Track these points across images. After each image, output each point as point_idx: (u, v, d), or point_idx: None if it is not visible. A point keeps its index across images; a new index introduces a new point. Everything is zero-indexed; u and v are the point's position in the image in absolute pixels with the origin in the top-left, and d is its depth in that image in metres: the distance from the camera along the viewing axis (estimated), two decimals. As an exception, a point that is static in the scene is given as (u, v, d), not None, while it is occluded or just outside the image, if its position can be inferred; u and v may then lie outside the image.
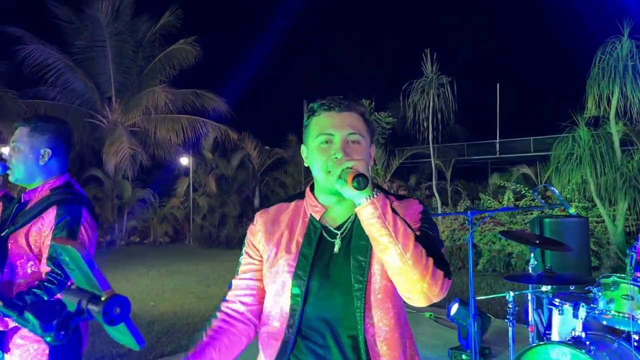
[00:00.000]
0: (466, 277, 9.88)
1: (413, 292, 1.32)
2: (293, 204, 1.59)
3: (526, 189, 10.71)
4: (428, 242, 1.36)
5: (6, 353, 2.07)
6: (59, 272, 2.02)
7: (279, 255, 1.49)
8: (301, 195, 1.60)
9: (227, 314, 1.55)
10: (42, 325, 0.64)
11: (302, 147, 1.56)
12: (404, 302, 1.43)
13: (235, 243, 15.89)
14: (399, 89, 12.94)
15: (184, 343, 5.70)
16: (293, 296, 1.44)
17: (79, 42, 17.42)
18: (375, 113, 13.55)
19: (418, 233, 1.38)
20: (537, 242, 3.84)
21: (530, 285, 3.89)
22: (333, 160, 1.38)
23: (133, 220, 18.09)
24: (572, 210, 3.24)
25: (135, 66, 18.17)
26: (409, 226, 1.34)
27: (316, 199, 1.53)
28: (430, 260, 1.31)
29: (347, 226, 1.49)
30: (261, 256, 1.54)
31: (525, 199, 10.57)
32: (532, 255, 3.94)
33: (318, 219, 1.50)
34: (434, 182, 12.79)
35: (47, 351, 2.06)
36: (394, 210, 1.32)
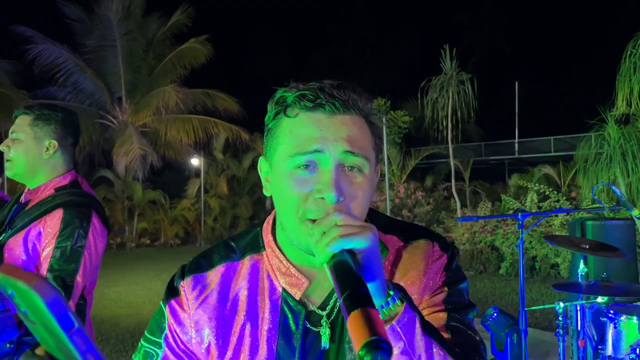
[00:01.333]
0: (488, 281, 9.59)
1: None
2: (245, 262, 0.97)
3: (550, 189, 10.31)
4: (465, 349, 0.86)
5: None
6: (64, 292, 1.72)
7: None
8: (255, 246, 0.99)
9: None
10: None
11: (261, 160, 0.97)
12: None
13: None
14: (414, 88, 12.65)
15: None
16: None
17: (90, 41, 17.33)
18: (391, 112, 13.19)
19: (444, 317, 0.90)
20: (587, 247, 3.48)
21: (579, 297, 3.56)
22: (317, 204, 0.83)
23: (143, 222, 17.92)
24: (635, 212, 2.88)
25: (145, 66, 18.01)
26: (448, 349, 0.82)
27: (287, 258, 0.94)
28: None
29: (335, 302, 0.94)
30: (194, 356, 0.96)
31: (550, 200, 10.18)
32: (581, 261, 3.58)
33: (299, 298, 0.93)
34: (452, 183, 12.41)
35: None
36: (424, 328, 0.79)
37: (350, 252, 0.72)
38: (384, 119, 12.12)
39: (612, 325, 3.20)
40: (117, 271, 11.19)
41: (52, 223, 1.83)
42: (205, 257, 0.98)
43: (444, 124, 11.99)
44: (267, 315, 0.92)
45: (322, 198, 0.82)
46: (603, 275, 3.16)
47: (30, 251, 1.82)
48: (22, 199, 1.98)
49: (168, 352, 0.94)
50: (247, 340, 0.92)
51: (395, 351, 0.75)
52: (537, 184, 10.88)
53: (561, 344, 3.39)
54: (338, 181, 0.83)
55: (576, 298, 3.63)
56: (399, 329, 0.75)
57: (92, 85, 17.45)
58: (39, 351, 0.41)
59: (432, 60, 12.34)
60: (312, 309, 0.93)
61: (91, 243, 1.85)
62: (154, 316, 0.97)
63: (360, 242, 0.73)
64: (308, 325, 0.92)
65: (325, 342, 0.91)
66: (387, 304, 0.76)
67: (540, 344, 5.33)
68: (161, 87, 17.12)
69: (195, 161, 19.37)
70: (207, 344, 0.93)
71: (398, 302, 0.76)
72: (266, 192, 0.95)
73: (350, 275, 0.69)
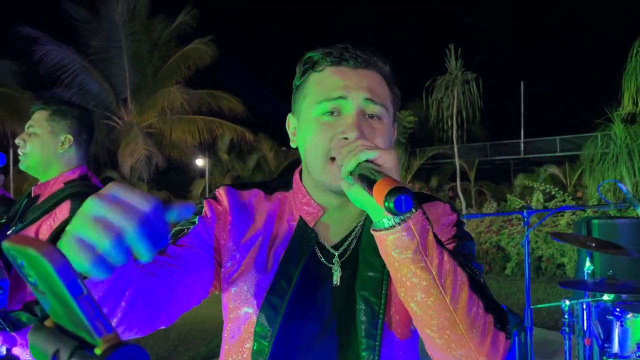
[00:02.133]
0: (494, 281, 9.56)
1: None
2: (275, 195, 1.06)
3: (556, 189, 10.27)
4: (478, 282, 0.87)
5: None
6: None
7: (244, 266, 0.98)
8: (285, 185, 1.08)
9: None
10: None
11: (289, 117, 1.06)
12: None
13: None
14: (419, 88, 12.61)
15: (202, 351, 5.45)
16: (256, 337, 0.93)
17: (95, 42, 17.42)
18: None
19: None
20: (593, 245, 3.47)
21: (585, 294, 3.55)
22: (340, 142, 0.90)
23: (149, 222, 17.96)
24: (641, 210, 2.86)
25: (150, 67, 18.09)
26: (461, 262, 0.85)
27: (309, 194, 1.02)
28: (490, 318, 0.84)
29: (350, 244, 1.00)
30: (213, 245, 1.00)
31: (555, 200, 10.14)
32: (587, 259, 3.57)
33: (312, 225, 1.00)
34: (458, 182, 12.38)
35: None
36: (437, 239, 0.82)
37: (372, 162, 0.79)
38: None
39: (618, 323, 3.18)
40: None
41: (62, 215, 1.84)
42: (242, 183, 1.09)
43: (449, 123, 11.97)
44: (281, 236, 1.00)
45: (346, 138, 0.90)
46: (609, 273, 3.14)
47: None
48: (33, 194, 1.99)
49: (199, 226, 0.98)
50: (255, 250, 0.98)
51: (409, 253, 0.79)
52: (542, 184, 10.84)
53: (567, 342, 3.37)
54: (360, 123, 0.91)
55: (582, 296, 3.62)
56: (413, 228, 0.78)
57: (97, 86, 17.54)
58: (47, 323, 0.41)
59: (437, 60, 12.34)
60: (325, 245, 0.99)
61: None
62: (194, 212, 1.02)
63: (381, 154, 0.79)
64: (320, 256, 0.99)
65: (336, 279, 0.97)
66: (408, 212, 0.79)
67: (547, 343, 5.30)
68: (166, 87, 17.18)
69: (200, 162, 19.44)
70: (224, 235, 1.00)
71: (413, 208, 0.78)
72: (292, 145, 1.05)
73: (375, 171, 0.76)
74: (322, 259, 0.98)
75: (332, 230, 1.01)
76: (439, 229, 1.00)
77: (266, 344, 0.92)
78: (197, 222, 0.98)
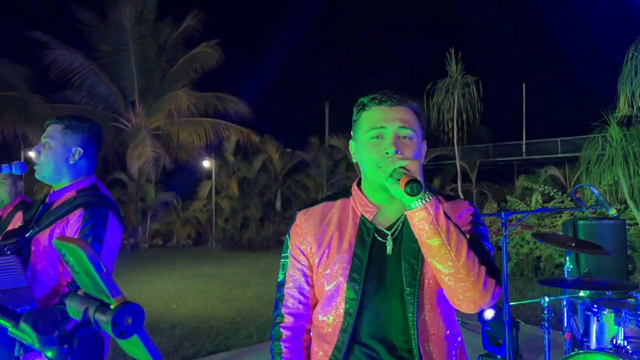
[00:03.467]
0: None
1: (463, 300, 1.30)
2: (339, 202, 1.52)
3: (554, 190, 10.43)
4: (480, 248, 1.31)
5: None
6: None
7: (331, 257, 1.43)
8: (346, 194, 1.53)
9: (293, 339, 1.50)
10: (40, 339, 0.54)
11: (351, 142, 1.50)
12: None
13: (257, 246, 15.88)
14: (423, 89, 12.76)
15: (207, 347, 5.65)
16: (348, 300, 1.39)
17: (103, 46, 17.61)
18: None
19: (469, 237, 1.33)
20: (573, 244, 3.66)
21: (565, 291, 3.73)
22: (384, 156, 1.32)
23: (156, 223, 18.20)
24: (612, 212, 3.06)
25: (158, 70, 18.30)
26: (462, 232, 1.28)
27: (366, 197, 1.46)
28: (483, 268, 1.27)
29: (397, 226, 1.44)
30: (308, 260, 1.48)
31: (554, 201, 10.30)
32: (567, 259, 3.76)
33: (370, 219, 1.44)
34: (459, 184, 12.56)
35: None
36: (446, 215, 1.26)
37: (402, 168, 1.21)
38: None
39: (595, 318, 3.37)
40: (130, 271, 11.42)
41: (74, 221, 2.04)
42: (313, 202, 1.56)
43: (450, 126, 12.14)
44: (349, 229, 1.44)
45: (387, 153, 1.32)
46: (585, 271, 3.33)
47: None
48: (47, 200, 2.22)
49: (292, 259, 1.50)
50: (335, 242, 1.43)
51: (427, 224, 1.23)
52: (542, 185, 10.99)
53: (546, 336, 3.55)
54: (396, 142, 1.34)
55: (563, 294, 3.81)
56: (430, 208, 1.23)
57: (106, 89, 17.75)
58: (80, 292, 0.64)
59: (440, 63, 12.50)
60: (381, 228, 1.42)
61: (108, 239, 2.08)
62: (285, 243, 1.55)
63: (408, 163, 1.23)
64: (378, 238, 1.41)
65: (389, 250, 1.40)
66: (425, 196, 1.23)
67: (538, 340, 5.48)
68: (173, 90, 17.40)
69: (206, 163, 19.63)
70: (310, 246, 1.46)
71: (431, 195, 1.24)
72: (354, 160, 1.49)
73: (403, 173, 1.20)
74: (380, 239, 1.41)
75: (386, 218, 1.44)
76: (461, 218, 1.41)
77: (355, 303, 1.36)
78: (288, 257, 1.51)
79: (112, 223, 2.10)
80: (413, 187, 1.15)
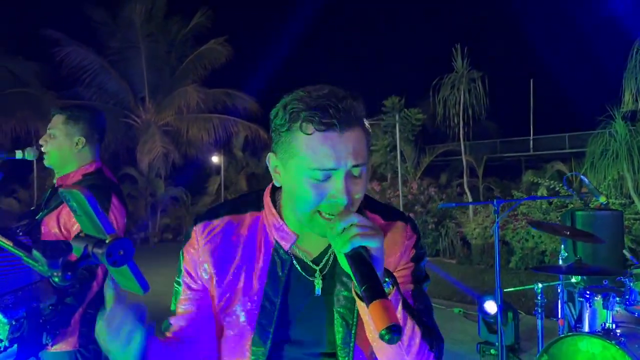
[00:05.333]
0: (495, 274, 9.75)
1: None
2: (247, 217, 1.18)
3: (560, 185, 10.45)
4: (423, 305, 1.14)
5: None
6: (84, 271, 2.04)
7: (235, 298, 1.14)
8: (256, 205, 1.20)
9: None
10: (48, 263, 0.67)
11: (271, 156, 1.13)
12: None
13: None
14: (430, 85, 12.82)
15: None
16: (253, 352, 1.13)
17: (114, 43, 17.81)
18: (405, 109, 13.44)
19: (411, 287, 1.15)
20: (568, 233, 3.75)
21: (560, 278, 3.81)
22: (331, 204, 1.04)
23: (166, 217, 18.39)
24: (602, 199, 3.15)
25: (167, 67, 18.48)
26: (418, 318, 1.08)
27: (282, 219, 1.15)
28: (432, 356, 1.09)
29: (327, 260, 1.16)
30: (206, 287, 1.18)
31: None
32: (562, 247, 3.85)
33: (287, 249, 1.14)
34: (465, 179, 12.62)
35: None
36: (405, 304, 1.05)
37: (364, 248, 0.95)
38: (397, 117, 12.38)
39: (587, 304, 3.45)
40: (140, 264, 11.30)
41: None
42: (214, 210, 1.21)
43: (456, 121, 12.20)
44: (260, 262, 1.13)
45: (335, 200, 1.02)
46: (576, 257, 3.41)
47: (62, 227, 2.18)
48: (56, 183, 2.37)
49: (184, 288, 1.18)
50: (242, 277, 1.13)
51: None
52: (548, 180, 11.01)
53: (539, 321, 3.65)
54: (349, 188, 1.02)
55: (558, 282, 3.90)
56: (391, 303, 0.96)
57: (116, 85, 17.95)
58: (81, 234, 0.76)
59: (446, 58, 12.55)
60: (306, 261, 1.15)
61: (112, 219, 2.20)
62: (178, 262, 1.23)
63: (375, 243, 0.96)
64: (301, 272, 1.14)
65: (318, 289, 1.13)
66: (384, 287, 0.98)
67: (536, 329, 5.56)
68: (182, 87, 17.55)
69: (215, 159, 19.81)
70: (209, 275, 1.15)
71: (391, 287, 1.01)
72: (277, 183, 1.13)
73: (368, 269, 0.93)
74: (304, 274, 1.14)
75: (311, 246, 1.15)
76: (400, 254, 1.17)
77: (261, 355, 1.12)
78: (180, 284, 1.19)
79: (115, 203, 2.22)
80: (394, 339, 0.86)
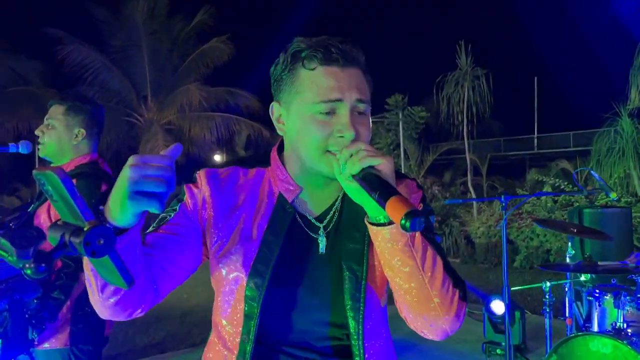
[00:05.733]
0: (502, 273, 9.66)
1: (429, 329, 1.07)
2: (253, 171, 1.16)
3: (565, 183, 10.36)
4: (441, 252, 1.07)
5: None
6: (70, 262, 1.99)
7: (231, 241, 1.09)
8: (263, 162, 1.18)
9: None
10: (17, 252, 0.59)
11: (275, 105, 1.13)
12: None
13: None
14: (433, 83, 12.73)
15: (214, 334, 5.75)
16: (247, 299, 1.07)
17: (116, 41, 17.73)
18: (409, 107, 13.34)
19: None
20: (575, 230, 3.67)
21: (567, 276, 3.74)
22: (338, 140, 1.02)
23: (168, 216, 18.31)
24: (612, 195, 3.07)
25: (170, 65, 18.43)
26: (439, 247, 1.05)
27: (287, 172, 1.13)
28: (457, 293, 1.04)
29: (332, 217, 1.13)
30: (199, 228, 1.12)
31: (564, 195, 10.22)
32: (569, 244, 3.77)
33: (290, 201, 1.11)
34: (469, 177, 12.52)
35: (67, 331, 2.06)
36: (423, 232, 1.01)
37: (373, 168, 0.93)
38: (400, 115, 12.29)
39: (597, 303, 3.37)
40: None
41: None
42: (221, 164, 1.19)
43: (460, 119, 12.10)
44: (262, 210, 1.11)
45: (342, 136, 1.02)
46: (585, 255, 3.33)
47: (52, 217, 2.11)
48: None
49: (180, 212, 1.10)
50: (240, 225, 1.10)
51: (400, 244, 0.98)
52: (552, 178, 10.92)
53: (547, 320, 3.57)
54: (354, 122, 1.03)
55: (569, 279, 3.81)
56: None
57: (118, 84, 17.88)
58: (59, 222, 0.69)
59: (450, 55, 12.46)
60: (310, 218, 1.12)
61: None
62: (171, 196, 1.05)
63: (384, 163, 0.94)
64: (301, 224, 1.11)
65: (322, 248, 1.10)
66: None
67: (542, 329, 5.46)
68: (185, 85, 17.48)
69: (217, 157, 19.77)
70: (207, 216, 1.11)
71: None
72: (280, 132, 1.14)
73: (379, 179, 0.91)
74: (307, 230, 1.10)
75: (314, 204, 1.13)
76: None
77: (255, 305, 1.05)
78: (177, 209, 1.10)
79: (105, 195, 2.15)
80: (415, 223, 0.81)
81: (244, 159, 1.20)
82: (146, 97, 18.32)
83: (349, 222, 1.10)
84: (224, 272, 1.11)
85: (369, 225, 1.00)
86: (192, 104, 17.21)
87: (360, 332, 1.07)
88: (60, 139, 2.22)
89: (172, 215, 1.09)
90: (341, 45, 1.04)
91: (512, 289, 3.45)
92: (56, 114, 2.23)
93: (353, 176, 0.94)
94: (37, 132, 2.24)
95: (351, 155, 0.95)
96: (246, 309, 1.07)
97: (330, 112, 1.03)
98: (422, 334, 1.10)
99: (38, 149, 2.25)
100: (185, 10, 18.67)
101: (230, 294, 1.10)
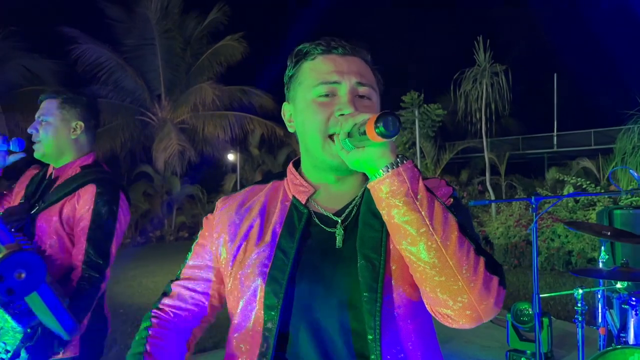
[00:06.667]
0: (522, 275, 9.41)
1: (453, 308, 0.92)
2: (269, 185, 1.18)
3: (587, 182, 10.05)
4: (472, 236, 0.94)
5: None
6: (95, 274, 1.88)
7: (248, 252, 1.08)
8: (280, 176, 1.20)
9: (161, 318, 1.19)
10: None
11: (285, 106, 1.15)
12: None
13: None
14: (450, 81, 12.46)
15: (225, 337, 5.60)
16: (266, 308, 1.02)
17: (129, 40, 17.72)
18: (425, 105, 13.06)
19: (450, 201, 1.08)
20: (609, 233, 3.42)
21: (600, 282, 3.50)
22: (338, 118, 0.98)
23: (182, 215, 18.31)
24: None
25: (183, 63, 18.38)
26: (450, 209, 0.93)
27: (302, 177, 1.13)
28: (482, 260, 0.91)
29: (350, 212, 1.08)
30: (217, 260, 1.16)
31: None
32: (602, 249, 3.53)
33: (304, 202, 1.09)
34: (487, 176, 12.21)
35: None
36: (427, 187, 0.91)
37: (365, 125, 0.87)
38: (416, 112, 12.04)
39: (633, 312, 3.14)
40: (155, 263, 11.47)
41: (86, 197, 1.96)
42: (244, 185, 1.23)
43: (478, 116, 11.80)
44: (276, 214, 1.10)
45: (342, 114, 0.99)
46: (622, 261, 3.10)
47: (64, 223, 1.96)
48: (53, 175, 2.12)
49: (197, 246, 1.21)
50: (255, 230, 1.10)
51: (401, 196, 0.88)
52: (574, 177, 10.61)
53: (580, 330, 3.34)
54: (354, 100, 1.02)
55: (598, 286, 3.58)
56: (403, 174, 0.88)
57: (132, 83, 17.87)
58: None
59: (468, 51, 12.16)
60: (327, 214, 1.08)
61: (121, 216, 2.00)
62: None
63: (369, 116, 0.87)
64: (317, 222, 1.07)
65: (339, 242, 1.05)
66: (397, 160, 0.89)
67: (568, 336, 5.26)
68: (198, 84, 17.42)
69: (231, 157, 19.70)
70: (221, 239, 1.14)
71: (405, 160, 0.90)
72: (290, 129, 1.14)
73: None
74: (324, 227, 1.06)
75: (332, 201, 1.10)
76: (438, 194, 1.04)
77: (274, 313, 1.00)
78: (191, 251, 1.22)
79: (123, 200, 2.04)
80: (388, 121, 0.78)
81: (263, 178, 1.25)
82: (160, 96, 18.32)
83: (367, 213, 1.03)
84: (242, 285, 1.07)
85: (370, 188, 0.92)
86: (205, 102, 17.15)
87: (377, 327, 0.95)
88: (58, 135, 2.06)
89: (189, 256, 1.23)
90: (343, 40, 1.08)
91: (542, 295, 3.21)
92: (50, 109, 2.07)
93: (348, 136, 0.89)
94: (30, 131, 2.07)
95: (349, 119, 0.91)
96: (265, 317, 1.02)
97: (330, 94, 1.03)
98: (443, 320, 0.96)
99: (34, 149, 2.07)
100: (198, 8, 18.61)
101: (249, 304, 1.05)
